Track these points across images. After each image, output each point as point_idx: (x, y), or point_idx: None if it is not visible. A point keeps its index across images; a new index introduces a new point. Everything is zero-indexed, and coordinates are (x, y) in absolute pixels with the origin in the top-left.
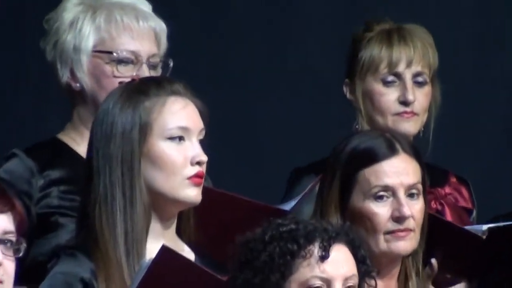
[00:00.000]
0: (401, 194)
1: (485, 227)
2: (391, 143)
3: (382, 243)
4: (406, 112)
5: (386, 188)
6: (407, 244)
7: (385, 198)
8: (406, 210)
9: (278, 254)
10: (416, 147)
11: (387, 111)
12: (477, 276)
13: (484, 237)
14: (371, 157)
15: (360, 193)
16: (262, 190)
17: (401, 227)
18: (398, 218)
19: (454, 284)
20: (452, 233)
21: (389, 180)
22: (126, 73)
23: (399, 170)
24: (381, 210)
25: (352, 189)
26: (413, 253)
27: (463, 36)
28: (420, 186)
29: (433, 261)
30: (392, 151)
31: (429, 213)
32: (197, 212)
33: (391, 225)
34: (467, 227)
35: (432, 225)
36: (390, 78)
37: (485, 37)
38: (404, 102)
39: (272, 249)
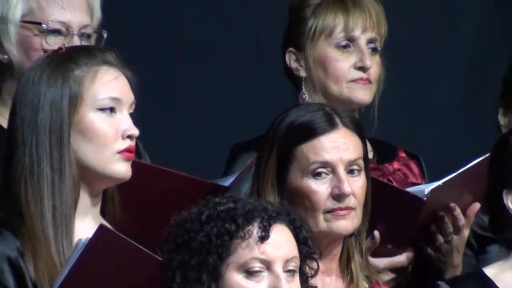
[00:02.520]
0: (341, 170)
1: (427, 190)
2: (331, 116)
3: (321, 223)
4: (362, 79)
5: (325, 164)
6: (347, 223)
7: (324, 175)
8: (346, 187)
9: (216, 234)
10: (357, 121)
11: (342, 78)
12: (416, 244)
13: (425, 199)
14: (309, 132)
15: (298, 170)
16: (202, 167)
17: (341, 205)
18: (338, 196)
19: (394, 255)
20: (394, 196)
21: (328, 156)
22: (56, 46)
23: (338, 145)
24: (320, 188)
25: (290, 166)
26: (356, 233)
27: (417, 9)
28: (361, 162)
29: (376, 233)
30: (331, 125)
31: (372, 177)
32: (126, 189)
33: (331, 204)
34: (408, 189)
35: (373, 189)
36: (345, 42)
37: (441, 10)
38: (361, 68)
39: (209, 230)
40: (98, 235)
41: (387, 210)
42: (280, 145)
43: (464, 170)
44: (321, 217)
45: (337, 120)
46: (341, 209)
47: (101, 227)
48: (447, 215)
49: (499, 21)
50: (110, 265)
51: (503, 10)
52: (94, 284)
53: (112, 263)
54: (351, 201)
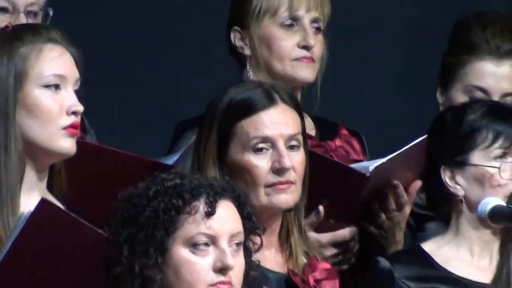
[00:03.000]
0: (281, 145)
1: (371, 166)
2: (269, 93)
3: (262, 197)
4: (305, 57)
5: (265, 139)
6: (288, 197)
7: (264, 150)
8: (287, 161)
9: (163, 209)
10: (295, 97)
11: (286, 56)
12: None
13: (369, 175)
14: (249, 108)
15: (238, 145)
16: (147, 145)
17: (281, 179)
18: (279, 170)
19: (336, 230)
20: (338, 172)
21: (268, 131)
22: (2, 24)
23: (278, 121)
24: (261, 162)
25: (230, 142)
26: (295, 208)
27: None
28: (300, 137)
29: (321, 208)
30: (270, 102)
31: (315, 153)
32: (71, 166)
33: (272, 178)
34: (352, 165)
35: (318, 165)
36: (289, 22)
37: None
38: (305, 47)
39: (156, 205)
40: (39, 208)
41: (331, 185)
42: (220, 121)
43: (407, 149)
44: (262, 191)
45: (276, 96)
46: (282, 183)
47: (42, 201)
48: (390, 192)
49: (441, 0)
50: (53, 239)
51: None
52: (37, 258)
53: (55, 237)
54: (291, 175)
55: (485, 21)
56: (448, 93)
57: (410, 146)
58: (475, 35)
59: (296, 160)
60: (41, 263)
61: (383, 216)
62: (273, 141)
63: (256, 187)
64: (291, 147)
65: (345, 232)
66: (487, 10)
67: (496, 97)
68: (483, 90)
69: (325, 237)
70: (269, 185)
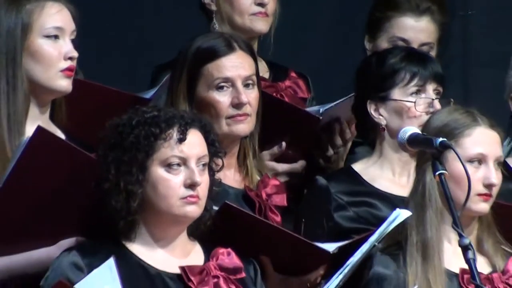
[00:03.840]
0: (239, 84)
1: (322, 109)
2: (229, 42)
3: (224, 126)
4: (260, 13)
5: (226, 79)
6: (245, 126)
7: (225, 88)
8: (244, 98)
9: (143, 136)
10: (251, 46)
11: (245, 12)
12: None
13: (321, 118)
14: (213, 54)
15: (204, 85)
16: (134, 83)
17: (239, 112)
18: (237, 105)
19: (293, 160)
20: (294, 114)
21: (228, 73)
22: None
23: (236, 65)
24: (223, 98)
25: (198, 82)
26: (250, 135)
27: None
28: (255, 78)
29: (284, 143)
30: (230, 49)
31: (275, 98)
32: (68, 101)
33: (231, 111)
34: (306, 109)
35: (276, 108)
36: None
37: None
38: (260, 4)
39: (138, 132)
40: (36, 134)
41: (291, 125)
42: (189, 65)
43: (350, 96)
44: (223, 122)
45: (235, 44)
46: (240, 115)
47: (38, 128)
48: (336, 129)
49: None
50: (49, 160)
51: None
52: (37, 176)
53: (50, 160)
54: (247, 109)
55: None
56: (375, 42)
57: (352, 95)
58: None
59: (251, 96)
60: (41, 180)
61: (331, 150)
62: (232, 81)
63: (219, 119)
64: (247, 86)
65: (298, 166)
66: None
67: (415, 46)
68: (404, 40)
69: (282, 167)
70: (229, 117)
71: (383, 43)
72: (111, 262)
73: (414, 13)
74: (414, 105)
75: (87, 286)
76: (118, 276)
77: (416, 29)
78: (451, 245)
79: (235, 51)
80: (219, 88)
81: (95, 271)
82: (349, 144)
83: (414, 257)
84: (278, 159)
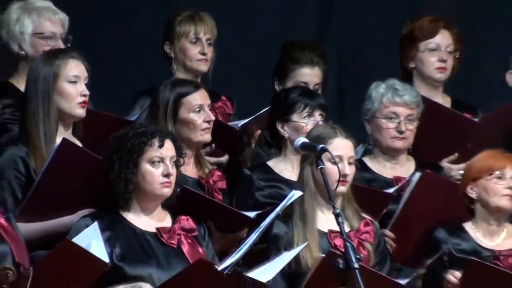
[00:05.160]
0: (207, 108)
1: (240, 123)
2: (196, 84)
3: (198, 136)
4: (203, 59)
5: (200, 106)
6: (208, 136)
7: (201, 111)
8: (212, 116)
9: (137, 143)
10: (201, 83)
11: (193, 59)
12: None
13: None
14: (189, 91)
15: (185, 109)
16: (119, 107)
17: (208, 126)
18: (208, 121)
19: (221, 156)
20: (222, 128)
21: (200, 101)
22: (46, 47)
23: (203, 95)
24: (199, 118)
25: (179, 108)
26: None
27: None
28: (209, 101)
29: (213, 145)
30: (196, 88)
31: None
32: (83, 122)
33: (205, 124)
34: (230, 123)
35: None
36: (194, 39)
37: None
38: (203, 53)
39: (133, 141)
40: (62, 143)
41: (218, 135)
42: (173, 98)
43: (261, 113)
44: (198, 133)
45: (197, 84)
46: (208, 128)
47: (63, 139)
48: (247, 135)
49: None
50: (70, 161)
51: None
52: (62, 171)
53: (71, 159)
54: (211, 124)
55: (303, 45)
56: (283, 84)
57: (262, 112)
58: (299, 53)
59: (213, 116)
60: (65, 173)
61: (247, 149)
62: (202, 106)
63: (196, 130)
64: (208, 106)
65: (223, 158)
66: (305, 39)
67: (311, 86)
68: (304, 83)
69: (213, 159)
70: (202, 129)
71: (289, 84)
72: (95, 225)
73: (309, 65)
74: (306, 125)
75: (80, 240)
76: (101, 234)
77: (312, 75)
78: (323, 214)
79: (199, 89)
80: (197, 111)
81: (85, 230)
82: (253, 145)
83: (297, 223)
84: (211, 155)
